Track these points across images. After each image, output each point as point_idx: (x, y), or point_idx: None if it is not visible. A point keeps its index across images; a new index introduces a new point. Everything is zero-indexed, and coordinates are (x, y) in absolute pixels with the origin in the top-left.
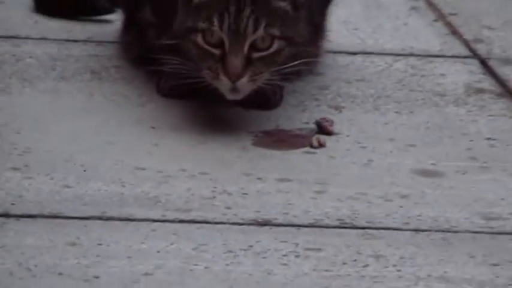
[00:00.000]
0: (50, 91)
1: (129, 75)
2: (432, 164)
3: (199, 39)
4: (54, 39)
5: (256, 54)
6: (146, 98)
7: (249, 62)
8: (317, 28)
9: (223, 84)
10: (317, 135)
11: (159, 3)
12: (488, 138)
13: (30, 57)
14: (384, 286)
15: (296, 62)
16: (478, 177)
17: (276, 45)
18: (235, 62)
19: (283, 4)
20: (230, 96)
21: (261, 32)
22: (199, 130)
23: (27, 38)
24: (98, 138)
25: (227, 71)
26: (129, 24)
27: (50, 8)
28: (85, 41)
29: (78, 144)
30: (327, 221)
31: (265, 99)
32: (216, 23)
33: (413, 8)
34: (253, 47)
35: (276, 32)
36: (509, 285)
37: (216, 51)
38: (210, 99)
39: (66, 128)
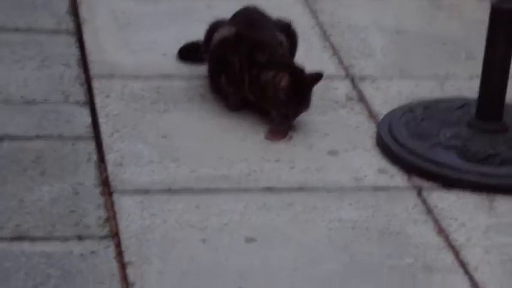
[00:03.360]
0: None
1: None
2: None
3: (279, 112)
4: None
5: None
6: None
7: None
8: None
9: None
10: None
11: (232, 75)
12: None
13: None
14: None
15: None
16: None
17: (305, 110)
18: (292, 122)
19: (311, 94)
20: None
21: (303, 111)
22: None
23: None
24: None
25: (289, 123)
26: (212, 74)
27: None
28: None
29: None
30: None
31: None
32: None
33: None
34: None
35: (306, 109)
36: None
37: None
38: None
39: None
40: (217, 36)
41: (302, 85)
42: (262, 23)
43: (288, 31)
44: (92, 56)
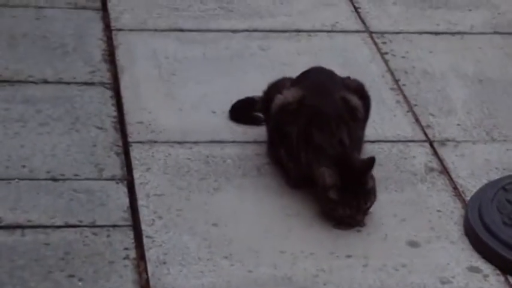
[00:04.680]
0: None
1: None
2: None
3: (339, 213)
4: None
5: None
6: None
7: (364, 212)
8: None
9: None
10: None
11: (290, 149)
12: None
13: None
14: None
15: None
16: None
17: (369, 203)
18: (360, 218)
19: (371, 183)
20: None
21: (368, 204)
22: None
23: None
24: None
25: (357, 221)
26: (272, 144)
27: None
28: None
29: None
30: None
31: None
32: (348, 210)
33: None
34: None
35: (370, 202)
36: None
37: (348, 213)
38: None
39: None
40: (280, 99)
41: (354, 177)
42: (331, 85)
43: (361, 94)
44: (131, 116)
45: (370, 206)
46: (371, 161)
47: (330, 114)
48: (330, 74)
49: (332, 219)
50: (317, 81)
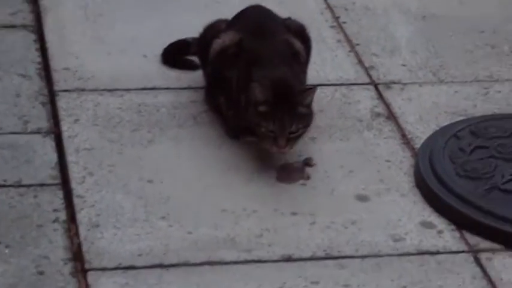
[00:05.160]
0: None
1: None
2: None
3: (262, 129)
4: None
5: (291, 135)
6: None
7: (288, 139)
8: None
9: (274, 150)
10: (306, 172)
11: (230, 96)
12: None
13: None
14: None
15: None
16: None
17: (300, 131)
18: (282, 142)
19: (304, 110)
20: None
21: (294, 127)
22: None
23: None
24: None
25: (278, 146)
26: (210, 90)
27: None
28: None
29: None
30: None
31: None
32: (271, 124)
33: None
34: (290, 132)
35: (301, 125)
36: None
37: (272, 135)
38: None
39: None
40: (218, 43)
41: (287, 98)
42: (271, 27)
43: (302, 36)
44: (56, 61)
45: (299, 135)
46: (310, 88)
47: (271, 57)
48: (269, 14)
49: (257, 138)
50: (256, 22)
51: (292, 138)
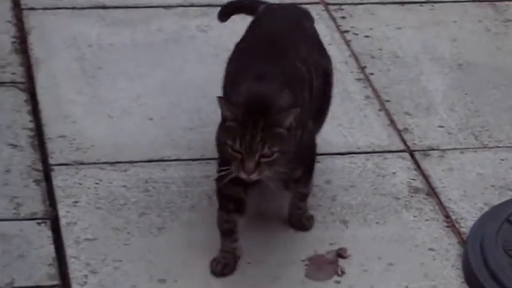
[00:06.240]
0: None
1: None
2: None
3: (228, 149)
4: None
5: (263, 160)
6: None
7: (258, 163)
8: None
9: (243, 176)
10: (340, 265)
11: None
12: None
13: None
14: None
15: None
16: None
17: (274, 155)
18: (250, 165)
19: (281, 130)
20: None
21: (266, 150)
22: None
23: None
24: None
25: (245, 169)
26: None
27: None
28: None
29: None
30: None
31: (301, 226)
32: (237, 142)
33: None
34: (261, 155)
35: (275, 149)
36: None
37: (239, 156)
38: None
39: None
40: None
41: (262, 116)
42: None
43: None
44: (51, 127)
45: (273, 160)
46: (290, 108)
47: (264, 74)
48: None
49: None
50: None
51: (264, 164)
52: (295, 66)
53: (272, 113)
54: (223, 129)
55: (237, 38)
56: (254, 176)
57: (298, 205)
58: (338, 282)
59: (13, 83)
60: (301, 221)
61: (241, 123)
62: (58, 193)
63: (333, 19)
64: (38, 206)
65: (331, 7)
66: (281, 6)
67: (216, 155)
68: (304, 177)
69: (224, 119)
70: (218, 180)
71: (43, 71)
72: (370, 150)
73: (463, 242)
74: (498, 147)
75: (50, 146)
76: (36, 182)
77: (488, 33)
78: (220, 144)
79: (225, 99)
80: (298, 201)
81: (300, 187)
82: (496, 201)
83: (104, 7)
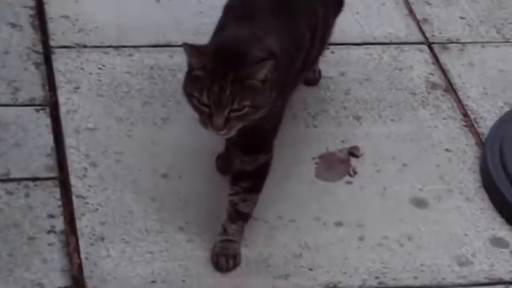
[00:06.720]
0: None
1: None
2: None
3: (195, 101)
4: None
5: (232, 114)
6: None
7: (227, 119)
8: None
9: (211, 131)
10: (351, 164)
11: None
12: None
13: None
14: None
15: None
16: None
17: (245, 110)
18: (218, 121)
19: (254, 82)
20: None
21: (235, 104)
22: None
23: None
24: None
25: (213, 125)
26: None
27: None
28: None
29: None
30: None
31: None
32: (205, 95)
33: None
34: (231, 110)
35: (246, 102)
36: None
37: (207, 110)
38: None
39: None
40: None
41: (235, 67)
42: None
43: None
44: (53, 7)
45: (243, 115)
46: (265, 59)
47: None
48: None
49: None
50: None
51: (234, 119)
52: (298, 27)
53: (244, 64)
54: (190, 79)
55: None
56: (223, 133)
57: (228, 225)
58: (349, 182)
59: None
60: (217, 258)
61: (209, 73)
62: (58, 78)
63: None
64: (36, 91)
65: None
66: None
67: None
68: (254, 178)
69: (191, 68)
70: None
71: None
72: (387, 41)
73: (481, 144)
74: None
75: (51, 26)
76: (36, 65)
77: None
78: (186, 94)
79: (191, 46)
80: (228, 219)
81: (240, 196)
82: None
83: None
